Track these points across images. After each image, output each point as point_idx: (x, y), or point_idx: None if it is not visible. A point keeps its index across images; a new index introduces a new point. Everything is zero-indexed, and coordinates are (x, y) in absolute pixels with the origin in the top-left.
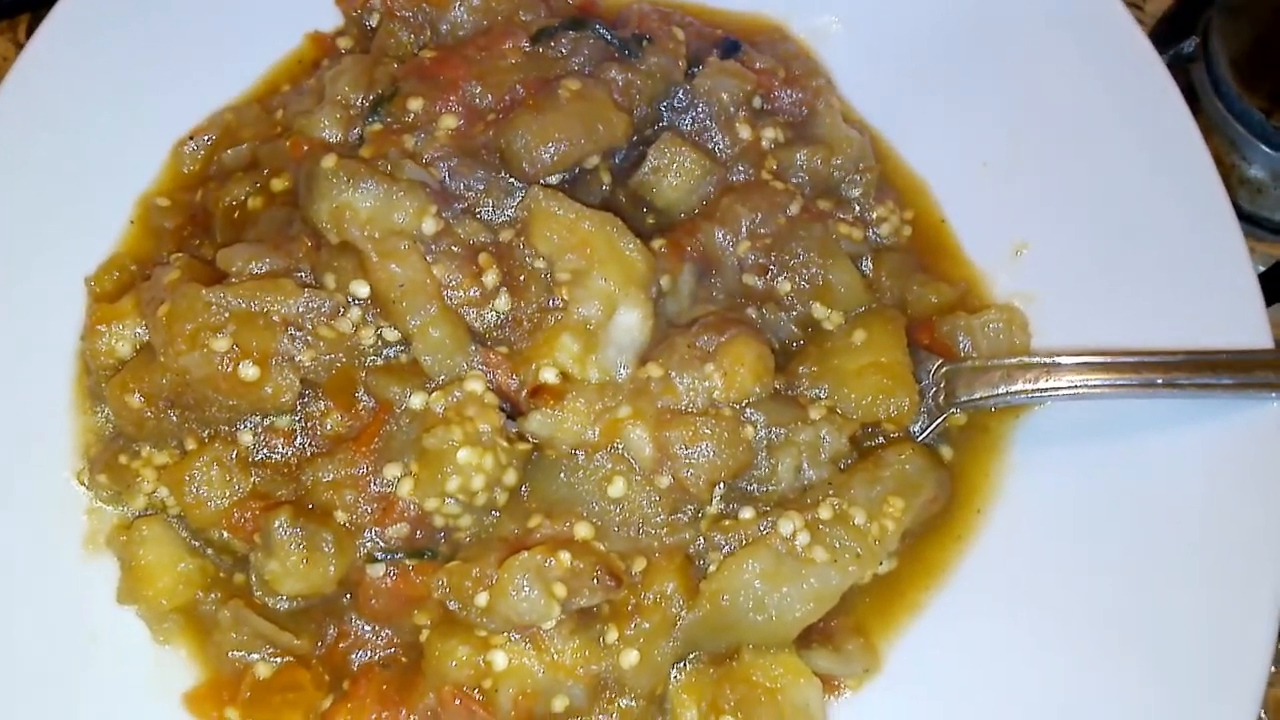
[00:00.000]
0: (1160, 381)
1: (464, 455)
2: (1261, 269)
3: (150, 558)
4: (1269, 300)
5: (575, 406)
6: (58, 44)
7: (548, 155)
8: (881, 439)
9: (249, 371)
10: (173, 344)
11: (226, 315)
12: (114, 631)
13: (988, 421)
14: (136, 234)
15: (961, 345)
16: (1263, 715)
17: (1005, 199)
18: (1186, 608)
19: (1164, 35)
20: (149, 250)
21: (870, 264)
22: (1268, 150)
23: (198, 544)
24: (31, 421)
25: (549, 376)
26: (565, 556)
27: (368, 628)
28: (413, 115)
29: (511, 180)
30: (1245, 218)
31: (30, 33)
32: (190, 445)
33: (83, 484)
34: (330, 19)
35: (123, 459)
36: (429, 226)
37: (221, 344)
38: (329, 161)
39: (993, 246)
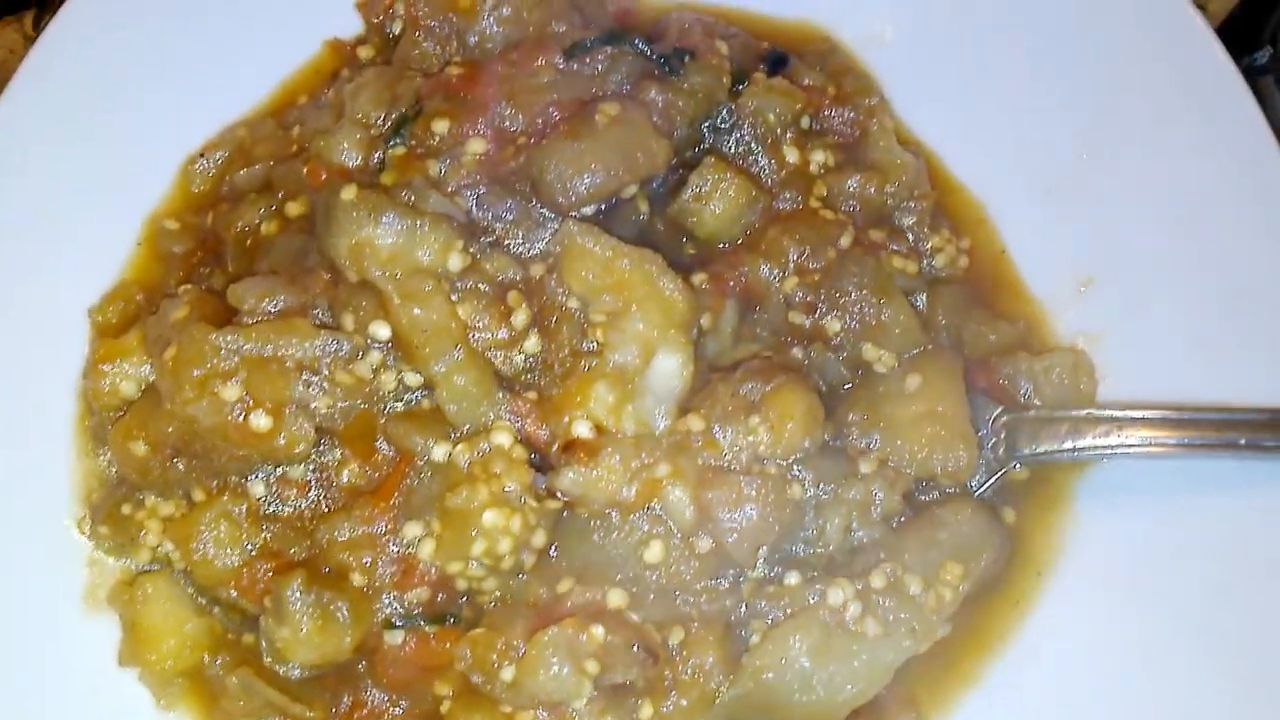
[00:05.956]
0: (1243, 442)
1: (490, 517)
2: None
3: (154, 618)
4: None
5: (610, 464)
6: (61, 52)
7: (583, 187)
8: (936, 493)
9: (260, 422)
10: (179, 391)
11: (237, 360)
12: (115, 693)
13: (1050, 473)
14: (144, 258)
15: (1023, 391)
16: None
17: (1070, 227)
18: (1262, 679)
19: (1229, 40)
20: (156, 277)
21: (925, 299)
22: None
23: (204, 601)
24: (30, 464)
25: (582, 430)
26: (598, 631)
27: (385, 697)
28: (438, 138)
29: (543, 211)
30: None
31: (37, 25)
32: (198, 496)
33: (84, 533)
34: (350, 25)
35: (126, 509)
36: (454, 263)
37: (231, 392)
38: (349, 193)
39: (1056, 280)
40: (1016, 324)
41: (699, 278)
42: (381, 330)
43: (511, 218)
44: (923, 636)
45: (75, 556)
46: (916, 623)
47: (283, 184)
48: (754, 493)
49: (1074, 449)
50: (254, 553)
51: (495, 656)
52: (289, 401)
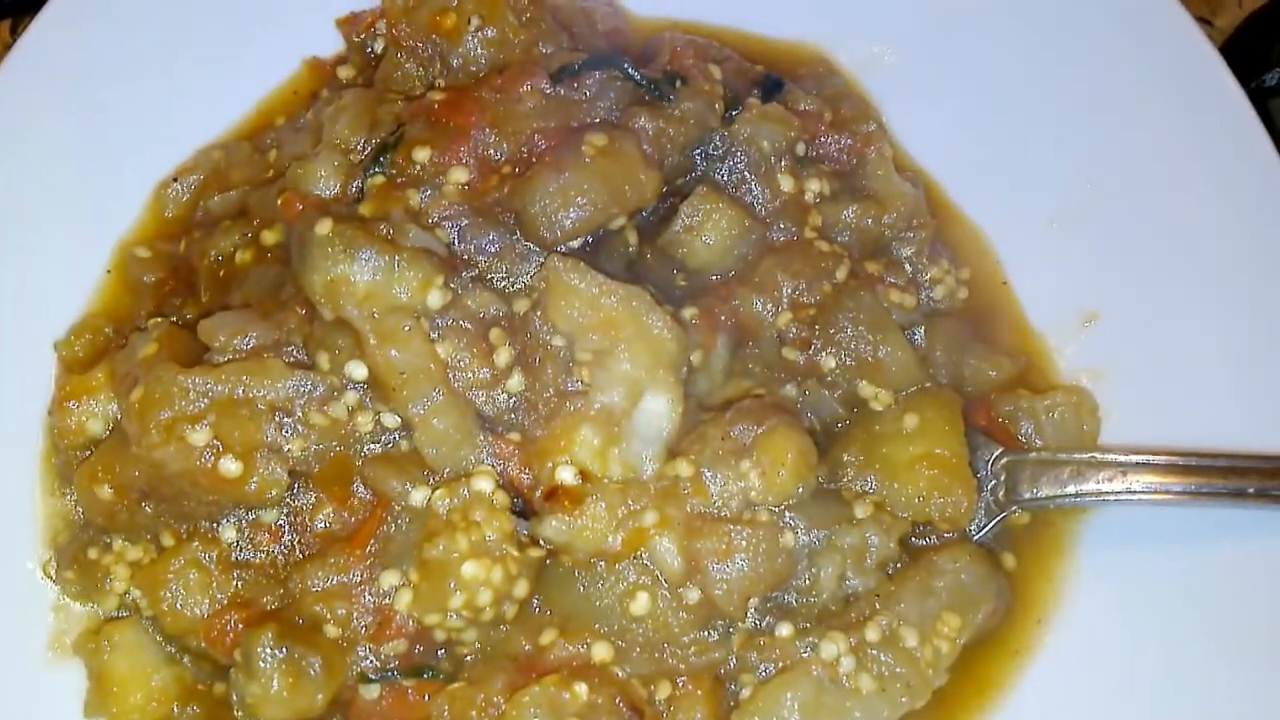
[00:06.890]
0: (1252, 491)
1: (469, 569)
2: None
3: (122, 669)
4: None
5: (595, 511)
6: (29, 70)
7: (569, 221)
8: (934, 538)
9: (230, 467)
10: (146, 435)
11: (206, 403)
12: None
13: (1051, 516)
14: (113, 287)
15: (1024, 431)
16: None
17: (1074, 259)
18: None
19: (1237, 60)
20: (126, 307)
21: (923, 333)
22: None
23: (174, 650)
24: None
25: (566, 476)
26: (581, 689)
27: None
28: (419, 167)
29: (528, 244)
30: None
31: (14, 32)
32: (167, 541)
33: (49, 577)
34: (330, 43)
35: (92, 553)
36: (434, 299)
37: (200, 437)
38: (324, 227)
39: (1059, 313)
40: (1017, 359)
41: (689, 312)
42: (358, 370)
43: (494, 251)
44: (919, 692)
45: (40, 601)
46: (912, 678)
47: (258, 210)
48: (744, 543)
49: (1077, 494)
50: (224, 602)
51: (474, 713)
52: (260, 445)
